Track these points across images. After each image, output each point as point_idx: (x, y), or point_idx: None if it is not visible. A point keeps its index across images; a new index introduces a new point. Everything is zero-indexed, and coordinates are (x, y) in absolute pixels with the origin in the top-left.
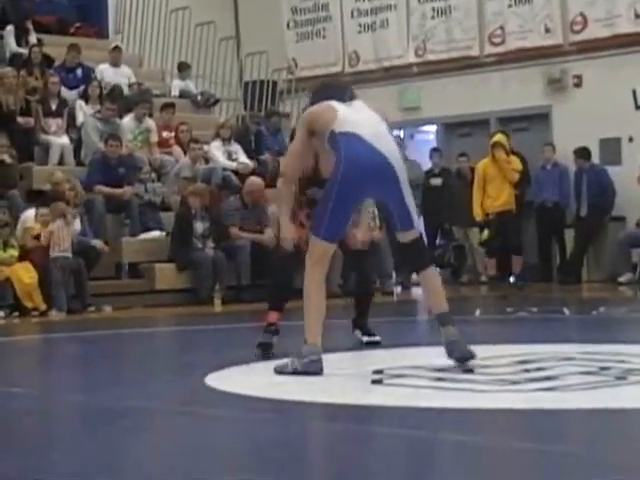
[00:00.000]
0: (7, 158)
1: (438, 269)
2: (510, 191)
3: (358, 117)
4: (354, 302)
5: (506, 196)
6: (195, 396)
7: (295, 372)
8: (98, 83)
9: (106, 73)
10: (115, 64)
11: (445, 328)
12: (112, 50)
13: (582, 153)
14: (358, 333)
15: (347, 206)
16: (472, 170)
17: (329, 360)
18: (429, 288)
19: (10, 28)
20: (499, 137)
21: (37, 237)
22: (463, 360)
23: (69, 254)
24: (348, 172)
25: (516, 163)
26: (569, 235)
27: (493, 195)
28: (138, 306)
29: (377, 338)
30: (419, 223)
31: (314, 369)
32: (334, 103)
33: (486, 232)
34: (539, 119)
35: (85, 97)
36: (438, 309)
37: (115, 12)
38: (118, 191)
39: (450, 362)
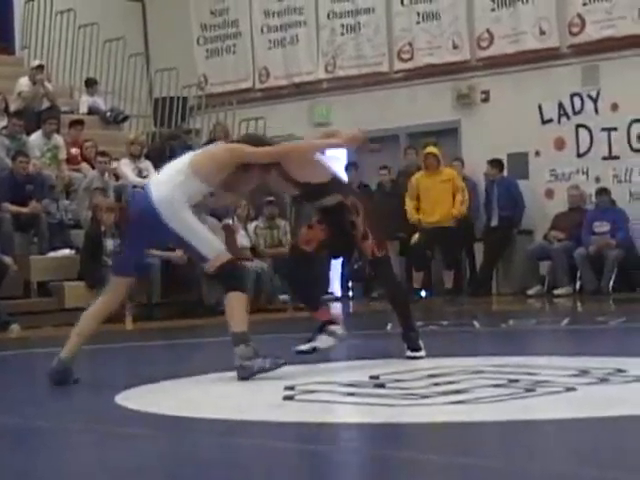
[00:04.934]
0: None
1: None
2: (448, 206)
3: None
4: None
5: (443, 211)
6: (105, 415)
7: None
8: (2, 97)
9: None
10: (35, 82)
11: (237, 348)
12: (34, 68)
13: (495, 164)
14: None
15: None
16: (393, 182)
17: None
18: (226, 310)
19: None
20: (431, 148)
21: None
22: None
23: None
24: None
25: (448, 173)
26: (478, 248)
27: (428, 209)
28: (47, 325)
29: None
30: (215, 250)
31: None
32: None
33: (417, 236)
34: (448, 134)
35: (7, 110)
36: (230, 329)
37: (22, 28)
38: (25, 209)
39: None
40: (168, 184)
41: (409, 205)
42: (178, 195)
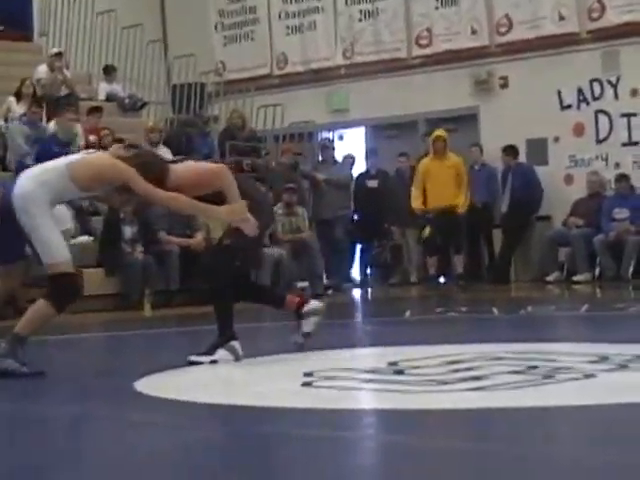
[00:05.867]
0: None
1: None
2: (454, 190)
3: None
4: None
5: (449, 195)
6: (124, 401)
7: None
8: (31, 83)
9: (43, 77)
10: (53, 69)
11: (5, 345)
12: (53, 55)
13: (510, 151)
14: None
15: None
16: (412, 169)
17: (261, 363)
18: (29, 310)
19: None
20: (440, 131)
21: None
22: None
23: None
24: None
25: (454, 160)
26: (497, 235)
27: (435, 193)
28: (66, 312)
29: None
30: (54, 258)
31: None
32: None
33: (427, 229)
34: (467, 120)
35: (18, 95)
36: (16, 327)
37: (40, 15)
38: None
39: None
40: (33, 179)
41: (414, 194)
42: (39, 192)
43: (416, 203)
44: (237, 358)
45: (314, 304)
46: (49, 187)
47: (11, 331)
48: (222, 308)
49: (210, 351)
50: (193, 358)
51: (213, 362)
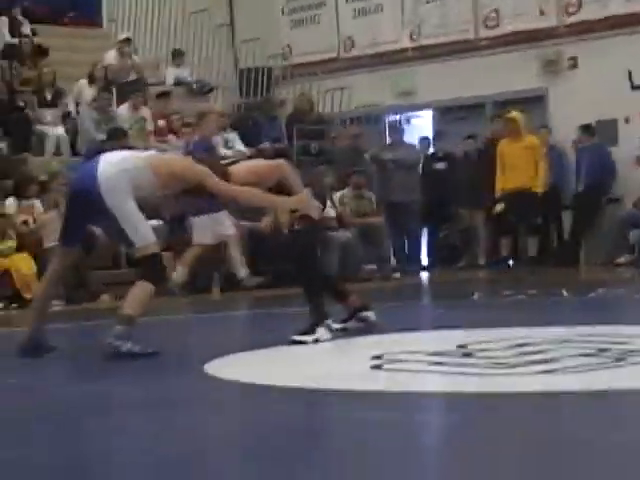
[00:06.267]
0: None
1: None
2: (531, 171)
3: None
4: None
5: (526, 176)
6: (194, 383)
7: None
8: (102, 66)
9: (112, 62)
10: (122, 54)
11: (118, 327)
12: (122, 41)
13: (586, 130)
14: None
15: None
16: (479, 152)
17: (329, 346)
18: (129, 293)
19: (3, 19)
20: (512, 114)
21: (26, 226)
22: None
23: None
24: None
25: (531, 140)
26: (567, 217)
27: (511, 175)
28: None
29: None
30: (145, 240)
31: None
32: None
33: (500, 205)
34: (535, 102)
35: (91, 78)
36: (124, 309)
37: (108, 1)
38: None
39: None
40: (117, 166)
41: (498, 177)
42: (124, 180)
43: (497, 184)
44: (333, 337)
45: (371, 316)
46: (130, 175)
47: (120, 313)
48: (313, 288)
49: (311, 330)
50: (296, 338)
51: (316, 341)
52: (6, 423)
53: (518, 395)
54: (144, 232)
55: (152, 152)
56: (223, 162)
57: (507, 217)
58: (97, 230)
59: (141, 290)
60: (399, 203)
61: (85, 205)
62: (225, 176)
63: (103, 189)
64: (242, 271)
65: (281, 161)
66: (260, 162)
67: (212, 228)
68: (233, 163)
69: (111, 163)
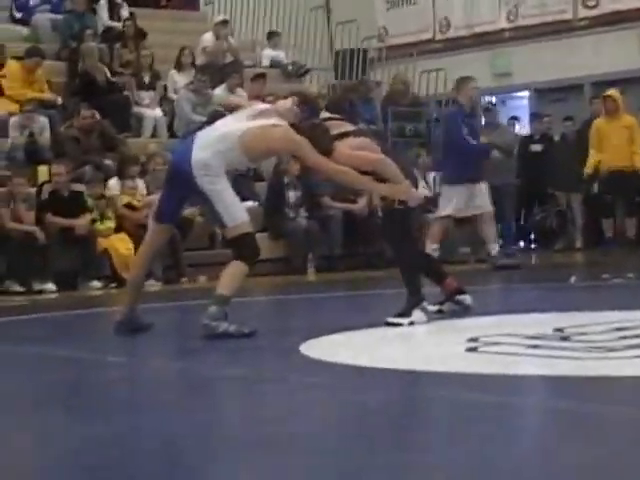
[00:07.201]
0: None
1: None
2: (629, 151)
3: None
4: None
5: (623, 156)
6: (290, 364)
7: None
8: (189, 51)
9: (208, 45)
10: (218, 37)
11: (212, 307)
12: (218, 23)
13: None
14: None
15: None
16: (578, 134)
17: (424, 328)
18: (224, 272)
19: (103, 2)
20: (611, 91)
21: (128, 207)
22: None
23: None
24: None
25: (628, 120)
26: None
27: (608, 154)
28: None
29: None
30: (236, 219)
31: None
32: None
33: (596, 186)
34: (635, 82)
35: (178, 65)
36: (218, 289)
37: None
38: None
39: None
40: (211, 148)
41: (590, 153)
42: (216, 161)
43: (588, 164)
44: (429, 319)
45: (467, 299)
46: (223, 156)
47: (215, 294)
48: (410, 271)
49: (406, 312)
50: (391, 320)
51: (411, 324)
52: (119, 396)
53: (614, 379)
54: (235, 212)
55: (249, 123)
56: (334, 133)
57: (605, 198)
58: (194, 210)
59: (235, 270)
60: (494, 186)
61: (181, 185)
62: (326, 153)
63: (196, 171)
64: (494, 248)
65: (383, 157)
66: (363, 155)
67: (466, 201)
68: (345, 135)
69: (205, 145)
